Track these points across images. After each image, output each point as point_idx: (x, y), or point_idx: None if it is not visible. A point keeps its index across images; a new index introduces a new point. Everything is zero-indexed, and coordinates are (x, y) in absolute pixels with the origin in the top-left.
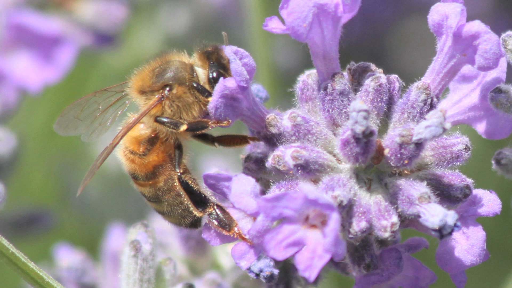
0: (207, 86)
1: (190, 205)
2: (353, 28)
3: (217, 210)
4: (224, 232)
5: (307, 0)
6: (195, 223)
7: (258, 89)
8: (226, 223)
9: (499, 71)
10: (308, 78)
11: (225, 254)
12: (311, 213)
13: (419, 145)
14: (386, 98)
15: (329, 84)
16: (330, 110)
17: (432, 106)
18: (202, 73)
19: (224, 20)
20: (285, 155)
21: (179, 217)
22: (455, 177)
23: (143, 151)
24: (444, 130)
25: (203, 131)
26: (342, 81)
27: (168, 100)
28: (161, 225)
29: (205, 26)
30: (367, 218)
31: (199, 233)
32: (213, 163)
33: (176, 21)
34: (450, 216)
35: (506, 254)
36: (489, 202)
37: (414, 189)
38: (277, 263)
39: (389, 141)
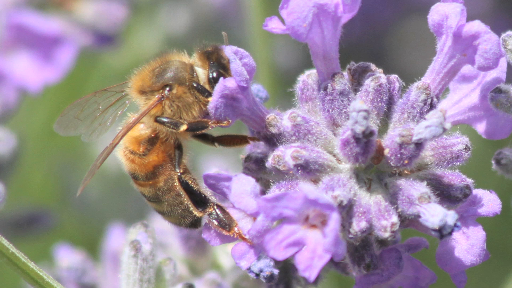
0: (207, 86)
1: (190, 205)
2: (353, 28)
3: (217, 210)
4: (224, 232)
5: (307, 0)
6: (195, 223)
7: (258, 89)
8: (226, 223)
9: (499, 71)
10: (308, 78)
11: (225, 254)
12: (311, 213)
13: (419, 145)
14: (386, 98)
15: (329, 84)
16: (330, 110)
17: (432, 106)
18: (202, 73)
19: (224, 20)
20: (285, 155)
21: (179, 217)
22: (455, 177)
23: (143, 151)
24: (444, 130)
25: (203, 131)
26: (342, 81)
27: (168, 100)
28: (161, 225)
29: (205, 26)
30: (367, 218)
31: (199, 233)
32: (213, 163)
33: (176, 21)
34: (450, 216)
35: (506, 254)
36: (489, 202)
37: (414, 189)
38: (277, 263)
39: (389, 141)
